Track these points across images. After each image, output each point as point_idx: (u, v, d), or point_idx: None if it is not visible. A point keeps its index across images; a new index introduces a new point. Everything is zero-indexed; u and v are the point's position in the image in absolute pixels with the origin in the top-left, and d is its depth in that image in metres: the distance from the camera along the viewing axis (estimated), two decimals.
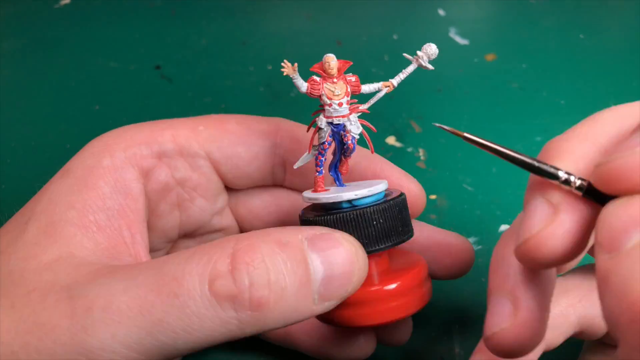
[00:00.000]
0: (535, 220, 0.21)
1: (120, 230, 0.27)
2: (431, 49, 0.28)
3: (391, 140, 0.51)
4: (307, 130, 0.30)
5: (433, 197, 0.45)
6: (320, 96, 0.29)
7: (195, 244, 0.34)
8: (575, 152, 0.22)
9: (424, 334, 0.36)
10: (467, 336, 0.36)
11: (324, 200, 0.28)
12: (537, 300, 0.22)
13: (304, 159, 0.30)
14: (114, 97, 0.56)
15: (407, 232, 0.29)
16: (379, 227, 0.28)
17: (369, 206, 0.28)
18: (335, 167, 0.30)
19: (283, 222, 0.34)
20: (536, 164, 0.22)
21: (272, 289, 0.23)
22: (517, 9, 0.70)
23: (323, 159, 0.30)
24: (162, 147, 0.30)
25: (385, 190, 0.30)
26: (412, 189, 0.32)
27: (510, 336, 0.22)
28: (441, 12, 0.68)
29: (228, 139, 0.32)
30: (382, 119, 0.52)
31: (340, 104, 0.28)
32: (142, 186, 0.29)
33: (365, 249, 0.27)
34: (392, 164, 0.33)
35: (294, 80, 0.28)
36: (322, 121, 0.29)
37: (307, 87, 0.28)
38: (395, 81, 0.29)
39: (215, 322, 0.22)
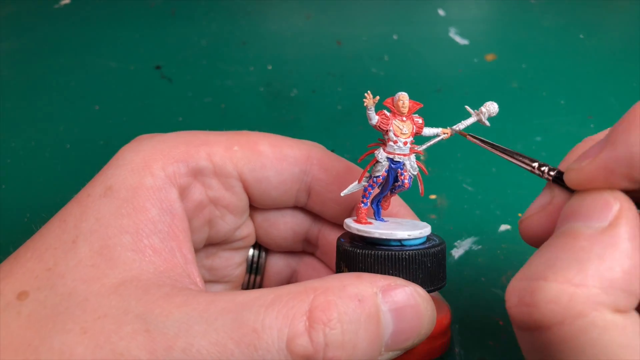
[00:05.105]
0: (533, 205, 0.26)
1: (173, 252, 0.28)
2: (493, 108, 0.29)
3: None
4: (360, 160, 0.30)
5: (433, 197, 0.45)
6: (387, 131, 0.28)
7: (216, 251, 0.35)
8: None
9: None
10: (467, 336, 0.36)
11: (377, 235, 0.28)
12: None
13: (352, 188, 0.30)
14: (114, 97, 0.56)
15: (445, 279, 0.29)
16: (427, 272, 0.27)
17: (421, 249, 0.27)
18: (378, 200, 0.30)
19: (296, 233, 0.35)
20: (517, 157, 0.27)
21: (345, 348, 0.24)
22: (517, 9, 0.70)
23: (372, 191, 0.29)
24: (198, 165, 0.31)
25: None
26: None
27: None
28: (441, 12, 0.68)
29: (261, 163, 0.32)
30: None
31: (405, 143, 0.29)
32: (183, 205, 0.30)
33: None
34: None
35: (369, 112, 0.28)
36: (382, 155, 0.29)
37: (378, 120, 0.28)
38: (454, 130, 0.30)
39: None
